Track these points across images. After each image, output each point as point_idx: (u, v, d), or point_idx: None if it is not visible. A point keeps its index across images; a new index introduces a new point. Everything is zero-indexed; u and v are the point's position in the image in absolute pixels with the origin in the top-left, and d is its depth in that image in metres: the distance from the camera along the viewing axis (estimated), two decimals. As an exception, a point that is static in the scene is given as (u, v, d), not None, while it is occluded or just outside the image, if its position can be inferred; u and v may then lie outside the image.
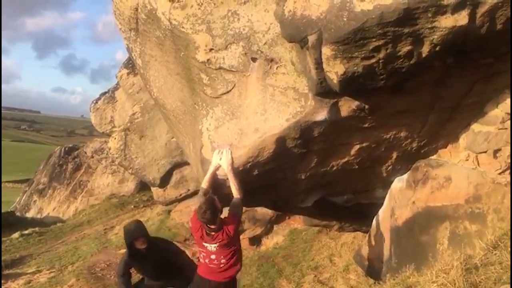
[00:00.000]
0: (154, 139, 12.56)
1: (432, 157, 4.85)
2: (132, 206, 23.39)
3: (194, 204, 14.26)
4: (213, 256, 4.31)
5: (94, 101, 13.65)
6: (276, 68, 4.26)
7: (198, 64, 4.55)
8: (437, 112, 4.40)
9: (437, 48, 3.54)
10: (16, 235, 19.78)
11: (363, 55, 3.53)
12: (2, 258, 16.03)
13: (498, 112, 4.39)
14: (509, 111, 4.30)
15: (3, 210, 27.79)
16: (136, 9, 5.10)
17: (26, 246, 18.53)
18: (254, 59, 4.34)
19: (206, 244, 4.28)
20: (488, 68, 4.07)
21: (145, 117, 12.46)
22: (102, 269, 13.66)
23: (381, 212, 5.34)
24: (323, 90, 3.90)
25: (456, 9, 3.33)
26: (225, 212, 4.26)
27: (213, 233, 4.19)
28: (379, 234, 5.40)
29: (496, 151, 4.40)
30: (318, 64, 3.72)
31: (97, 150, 26.83)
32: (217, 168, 4.41)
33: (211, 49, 4.47)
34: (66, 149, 27.59)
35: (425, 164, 4.76)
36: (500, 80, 4.22)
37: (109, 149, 13.54)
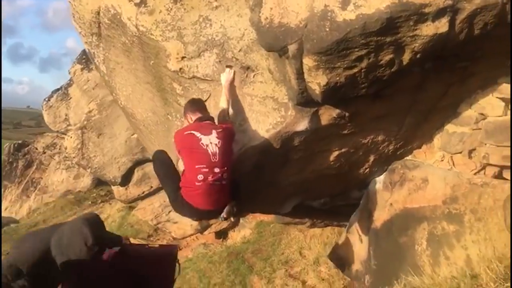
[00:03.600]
0: (113, 136, 12.11)
1: (407, 158, 4.88)
2: (90, 202, 22.65)
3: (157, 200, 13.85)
4: (216, 169, 3.75)
5: (46, 99, 12.95)
6: (253, 77, 4.12)
7: (170, 73, 4.33)
8: (413, 115, 4.41)
9: (418, 56, 3.52)
10: (-34, 240, 18.79)
11: (345, 65, 3.45)
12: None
13: (472, 112, 4.45)
14: (482, 111, 4.37)
15: None
16: (98, 13, 4.78)
17: (-22, 252, 17.66)
18: (229, 67, 4.17)
19: (204, 141, 3.77)
20: (463, 70, 4.10)
21: (103, 114, 11.95)
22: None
23: (358, 212, 5.35)
24: (304, 100, 3.80)
25: (437, 16, 3.31)
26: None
27: (208, 121, 3.95)
28: (356, 234, 5.42)
29: (470, 151, 4.47)
30: (299, 74, 3.61)
31: (49, 146, 25.68)
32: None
33: (183, 57, 4.25)
34: (15, 145, 26.24)
35: (401, 166, 4.79)
36: (473, 81, 4.28)
37: (65, 148, 12.96)
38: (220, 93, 4.19)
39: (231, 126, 4.02)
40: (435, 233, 4.52)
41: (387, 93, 3.95)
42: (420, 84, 4.04)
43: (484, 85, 4.31)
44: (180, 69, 4.28)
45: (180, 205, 3.98)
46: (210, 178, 3.76)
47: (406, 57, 3.52)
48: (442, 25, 3.35)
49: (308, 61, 3.46)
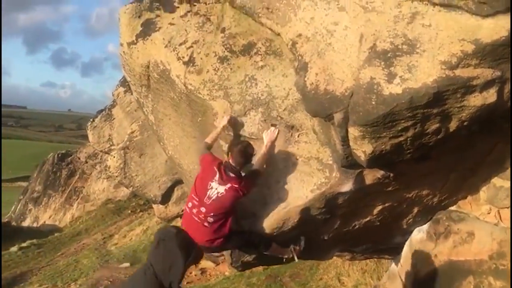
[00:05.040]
0: (154, 156, 12.39)
1: (452, 209, 4.85)
2: (129, 211, 23.35)
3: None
4: (203, 209, 4.10)
5: (91, 120, 13.46)
6: (298, 136, 4.20)
7: (217, 131, 4.47)
8: (459, 170, 4.40)
9: (465, 124, 3.52)
10: (14, 248, 19.62)
11: (391, 135, 3.48)
12: (3, 275, 15.92)
13: (519, 167, 4.39)
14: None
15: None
16: (148, 67, 4.98)
17: (25, 261, 18.36)
18: (273, 126, 4.26)
19: (213, 184, 4.12)
20: (510, 129, 4.06)
21: (144, 135, 12.25)
22: (106, 286, 13.64)
23: (400, 258, 5.34)
24: (349, 164, 3.85)
25: (484, 87, 3.31)
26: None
27: (232, 174, 4.12)
28: (398, 280, 5.41)
29: (518, 207, 4.41)
30: (344, 141, 3.67)
31: (91, 155, 26.58)
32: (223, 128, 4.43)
33: (229, 116, 4.38)
34: (59, 155, 27.30)
35: (446, 218, 4.76)
36: (521, 137, 4.22)
37: (108, 167, 13.35)
38: (264, 151, 4.29)
39: (245, 187, 4.13)
40: (481, 287, 4.48)
41: (433, 155, 3.96)
42: (466, 144, 4.02)
43: (533, 140, 4.25)
44: (227, 127, 4.40)
45: None
46: (194, 211, 4.17)
47: (453, 125, 3.53)
48: (490, 96, 3.35)
49: (353, 131, 3.51)
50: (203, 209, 4.11)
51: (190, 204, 4.22)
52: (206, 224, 4.12)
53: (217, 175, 4.14)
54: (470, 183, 4.59)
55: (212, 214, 4.10)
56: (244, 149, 4.23)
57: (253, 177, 4.24)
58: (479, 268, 4.50)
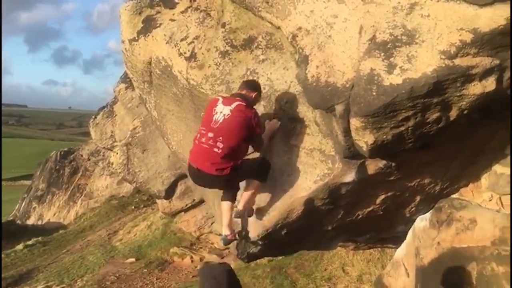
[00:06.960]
0: (156, 152, 12.45)
1: (454, 197, 4.90)
2: (133, 207, 23.41)
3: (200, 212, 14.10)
4: (210, 134, 3.96)
5: (93, 117, 13.53)
6: (300, 128, 4.25)
7: (220, 125, 4.52)
8: (460, 158, 4.45)
9: (465, 112, 3.56)
10: (20, 246, 19.69)
11: (392, 125, 3.53)
12: (10, 273, 16.07)
13: (520, 154, 4.44)
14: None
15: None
16: (150, 63, 5.03)
17: (31, 258, 18.46)
18: (276, 118, 4.31)
19: (218, 108, 4.00)
20: (510, 116, 4.10)
21: (146, 131, 12.31)
22: (112, 282, 13.67)
23: (404, 247, 5.40)
24: (351, 154, 3.91)
25: (484, 76, 3.35)
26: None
27: (237, 97, 4.07)
28: (402, 267, 5.48)
29: (519, 193, 4.46)
30: (346, 132, 3.72)
31: (93, 153, 26.55)
32: None
33: (232, 110, 4.43)
34: (62, 153, 27.35)
35: (448, 205, 4.81)
36: (521, 124, 4.26)
37: (112, 164, 13.45)
38: (267, 145, 4.32)
39: (255, 116, 4.06)
40: (484, 273, 4.54)
41: (434, 144, 4.00)
42: (467, 132, 4.07)
43: (533, 127, 4.29)
44: (229, 121, 4.45)
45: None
46: (203, 140, 4.03)
47: (453, 114, 3.57)
48: (489, 84, 3.39)
49: (355, 122, 3.56)
50: (210, 134, 3.97)
51: (197, 136, 4.09)
52: (216, 149, 3.96)
53: (220, 100, 4.08)
54: (471, 171, 4.64)
55: (220, 138, 3.95)
56: (245, 81, 4.30)
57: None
58: (481, 254, 4.55)
